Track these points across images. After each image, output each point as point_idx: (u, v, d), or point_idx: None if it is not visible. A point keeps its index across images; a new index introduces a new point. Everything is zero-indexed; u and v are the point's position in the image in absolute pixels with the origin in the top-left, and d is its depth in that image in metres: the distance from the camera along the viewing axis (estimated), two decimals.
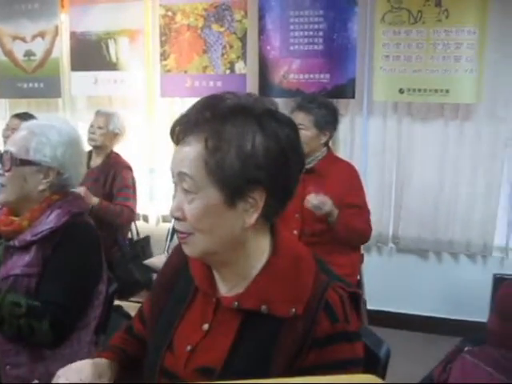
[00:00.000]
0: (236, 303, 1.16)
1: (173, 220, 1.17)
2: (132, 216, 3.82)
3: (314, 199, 2.83)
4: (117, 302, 3.22)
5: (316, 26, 3.84)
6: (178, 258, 1.31)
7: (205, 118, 1.11)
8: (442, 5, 3.59)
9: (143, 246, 3.92)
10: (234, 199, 1.11)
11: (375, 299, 3.79)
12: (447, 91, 3.66)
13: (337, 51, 3.81)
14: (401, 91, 3.74)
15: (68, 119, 4.40)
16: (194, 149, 1.11)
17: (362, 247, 3.40)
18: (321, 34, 3.83)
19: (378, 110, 3.94)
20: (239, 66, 4.08)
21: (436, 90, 3.67)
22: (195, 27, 4.18)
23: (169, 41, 4.27)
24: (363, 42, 3.85)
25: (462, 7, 3.57)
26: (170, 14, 4.24)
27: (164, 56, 4.31)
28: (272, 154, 1.11)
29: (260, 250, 1.19)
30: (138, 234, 4.10)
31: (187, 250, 1.18)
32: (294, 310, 1.12)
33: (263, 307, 1.13)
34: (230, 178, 1.09)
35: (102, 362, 1.38)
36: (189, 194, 1.12)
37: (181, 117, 1.15)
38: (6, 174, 1.86)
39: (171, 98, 4.39)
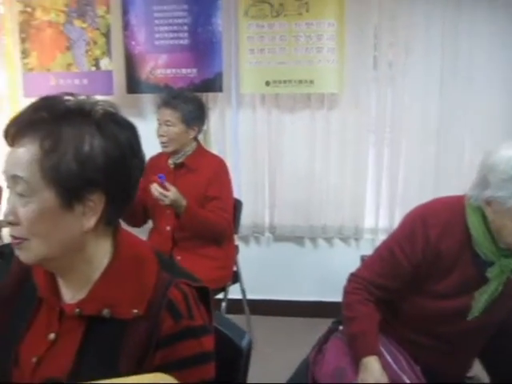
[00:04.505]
0: (78, 310, 1.14)
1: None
2: None
3: (155, 190, 2.82)
4: None
5: (181, 21, 3.81)
6: (19, 266, 1.25)
7: (41, 119, 1.08)
8: None
9: (2, 252, 3.68)
10: (71, 202, 1.08)
11: (255, 289, 3.87)
12: (311, 82, 3.77)
13: (202, 45, 3.81)
14: (267, 83, 3.80)
15: None
16: (28, 150, 1.07)
17: (236, 238, 3.44)
18: (186, 28, 3.81)
19: (247, 103, 3.99)
20: (105, 63, 3.97)
21: (301, 81, 3.78)
22: (56, 23, 4.01)
23: (29, 38, 4.08)
24: (228, 36, 3.87)
25: (321, 1, 3.68)
26: (29, 9, 4.04)
27: (25, 54, 4.10)
28: (111, 156, 1.09)
29: (101, 253, 1.16)
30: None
31: (22, 256, 1.13)
32: (135, 311, 1.11)
33: (105, 311, 1.12)
34: (67, 180, 1.06)
35: None
36: (23, 197, 1.08)
37: (15, 117, 1.11)
38: None
39: (35, 98, 4.19)
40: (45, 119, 1.08)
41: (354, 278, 2.06)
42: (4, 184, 3.50)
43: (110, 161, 1.09)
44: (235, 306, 3.50)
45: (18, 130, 1.09)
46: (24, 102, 4.20)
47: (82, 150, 1.07)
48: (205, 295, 1.21)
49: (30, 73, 4.12)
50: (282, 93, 3.89)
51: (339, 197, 4.02)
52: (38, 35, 4.06)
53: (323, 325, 2.34)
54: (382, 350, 1.96)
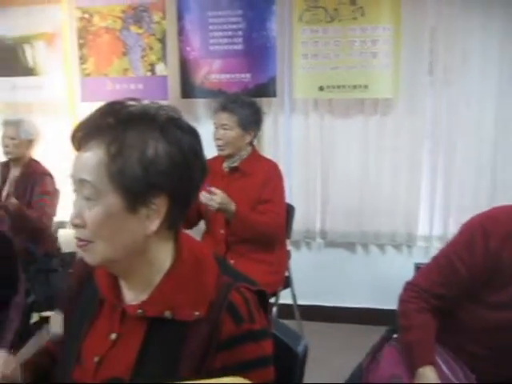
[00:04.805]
0: (140, 311, 1.15)
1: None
2: (48, 224, 3.69)
3: (202, 196, 2.83)
4: (48, 313, 3.17)
5: (235, 26, 3.85)
6: (82, 269, 1.28)
7: (107, 124, 1.10)
8: (357, 3, 3.68)
9: (63, 259, 3.72)
10: (135, 206, 1.10)
11: (306, 294, 3.86)
12: (366, 87, 3.74)
13: (257, 50, 3.83)
14: (321, 88, 3.80)
15: None
16: (95, 154, 1.09)
17: (288, 243, 3.43)
18: (240, 33, 3.85)
19: (300, 108, 3.99)
20: (160, 68, 4.04)
21: (355, 86, 3.76)
22: (113, 29, 4.11)
23: (87, 44, 4.19)
24: (282, 41, 3.88)
25: (376, 5, 3.66)
26: (86, 16, 4.16)
27: (83, 59, 4.22)
28: (174, 160, 1.11)
29: (163, 256, 1.18)
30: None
31: (87, 258, 1.15)
32: (197, 313, 1.12)
33: (167, 313, 1.13)
34: (132, 184, 1.08)
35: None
36: (89, 200, 1.10)
37: (82, 122, 1.13)
38: None
39: (92, 103, 4.29)
40: (110, 124, 1.10)
41: (409, 286, 2.03)
42: (61, 187, 3.57)
43: (173, 165, 1.10)
44: (286, 311, 3.50)
45: (85, 134, 1.12)
46: (82, 107, 4.32)
47: (146, 154, 1.08)
48: (263, 299, 1.22)
49: (87, 78, 4.23)
50: (335, 98, 3.87)
51: (392, 203, 3.97)
52: (96, 41, 4.16)
53: (374, 332, 2.32)
54: (438, 359, 1.93)
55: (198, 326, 1.12)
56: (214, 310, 1.13)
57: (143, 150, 1.08)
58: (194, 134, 1.17)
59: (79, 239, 1.14)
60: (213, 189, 2.85)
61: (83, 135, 1.12)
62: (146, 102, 1.17)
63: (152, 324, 1.15)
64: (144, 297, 1.17)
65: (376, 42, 3.70)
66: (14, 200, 3.38)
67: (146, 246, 1.14)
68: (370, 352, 2.20)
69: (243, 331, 1.12)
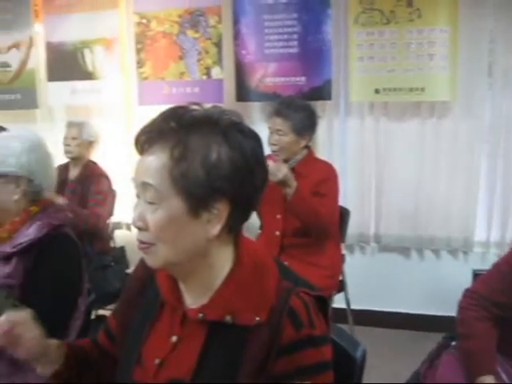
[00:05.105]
0: (201, 315, 1.16)
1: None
2: (98, 223, 3.76)
3: (269, 164, 2.78)
4: (101, 312, 3.24)
5: (290, 30, 3.86)
6: (143, 270, 1.30)
7: (170, 128, 1.11)
8: (414, 5, 3.63)
9: (115, 255, 3.80)
10: (197, 210, 1.10)
11: (359, 299, 3.82)
12: (422, 89, 3.69)
13: (312, 53, 3.83)
14: (377, 91, 3.77)
15: (47, 130, 4.39)
16: (158, 158, 1.11)
17: (342, 247, 3.41)
18: (295, 36, 3.86)
19: (355, 111, 3.96)
20: (216, 72, 4.09)
21: (411, 89, 3.71)
22: (170, 34, 4.18)
23: (144, 48, 4.28)
24: (338, 44, 3.87)
25: (433, 7, 3.61)
26: (144, 21, 4.24)
27: (140, 64, 4.30)
28: (237, 165, 1.11)
29: (223, 260, 1.18)
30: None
31: (149, 260, 1.17)
32: (258, 318, 1.12)
33: (227, 317, 1.14)
34: (195, 188, 1.09)
35: (53, 341, 1.33)
36: (152, 204, 1.12)
37: (145, 126, 1.15)
38: None
39: (149, 106, 4.36)
40: (173, 128, 1.11)
41: (469, 293, 1.99)
42: (119, 189, 3.63)
43: (235, 169, 1.11)
44: (338, 316, 3.48)
45: (148, 138, 1.13)
46: (139, 110, 4.40)
47: (209, 158, 1.09)
48: (322, 304, 1.21)
49: (144, 82, 4.31)
50: (391, 101, 3.83)
51: (448, 207, 3.90)
52: (153, 45, 4.24)
53: (429, 339, 2.29)
54: (499, 369, 1.89)
55: (258, 330, 1.12)
56: (274, 315, 1.12)
57: (206, 155, 1.09)
58: (256, 139, 1.17)
59: (141, 242, 1.15)
60: (280, 162, 2.82)
61: (146, 139, 1.14)
62: (208, 106, 1.18)
63: (212, 328, 1.16)
64: (204, 300, 1.17)
65: (433, 43, 3.65)
66: (60, 200, 3.46)
67: (206, 249, 1.15)
68: (426, 359, 2.17)
69: (303, 337, 1.12)
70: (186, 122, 1.11)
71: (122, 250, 3.85)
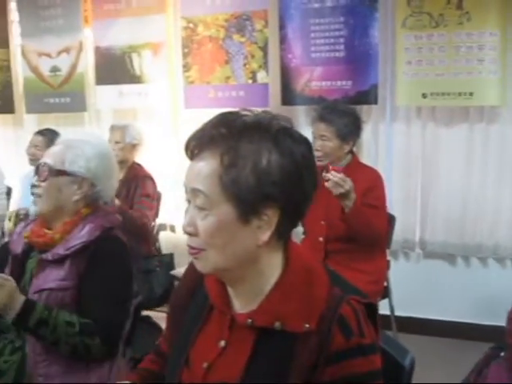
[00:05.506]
0: (250, 320, 1.15)
1: None
2: (146, 225, 3.80)
3: (336, 176, 2.72)
4: (145, 312, 3.27)
5: (337, 33, 3.85)
6: (193, 274, 1.29)
7: (220, 134, 1.11)
8: (463, 8, 3.58)
9: (162, 261, 3.81)
10: (247, 216, 1.10)
11: (403, 305, 3.77)
12: (471, 94, 3.63)
13: (358, 57, 3.82)
14: (424, 96, 3.72)
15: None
16: (208, 164, 1.11)
17: (387, 253, 3.38)
18: (342, 40, 3.85)
19: (402, 116, 3.92)
20: (261, 76, 4.10)
21: (460, 94, 3.65)
22: (216, 38, 4.22)
23: (191, 52, 4.32)
24: (385, 48, 3.84)
25: (483, 10, 3.55)
26: (191, 25, 4.29)
27: (186, 67, 4.35)
28: (287, 171, 1.10)
29: (273, 266, 1.18)
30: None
31: (199, 265, 1.17)
32: (307, 325, 1.11)
33: (276, 324, 1.13)
34: (245, 195, 1.09)
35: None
36: (202, 210, 1.12)
37: (196, 132, 1.15)
38: (42, 184, 1.92)
39: (195, 109, 4.40)
40: (224, 135, 1.11)
41: None
42: (164, 191, 3.66)
43: (285, 176, 1.10)
44: (382, 322, 3.43)
45: (198, 144, 1.13)
46: (184, 114, 4.45)
47: (259, 165, 1.09)
48: (372, 312, 1.19)
49: (190, 85, 4.35)
50: (439, 106, 3.78)
51: (496, 215, 3.82)
52: (199, 50, 4.29)
53: (474, 348, 2.24)
54: None
55: (308, 338, 1.11)
56: (324, 323, 1.11)
57: (257, 161, 1.09)
58: (306, 144, 1.16)
59: (191, 247, 1.16)
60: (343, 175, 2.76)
61: (197, 145, 1.14)
62: (258, 111, 1.17)
63: (261, 334, 1.15)
64: (253, 306, 1.17)
65: (482, 47, 3.59)
66: (116, 201, 3.52)
67: (256, 255, 1.15)
68: (474, 369, 2.12)
69: (353, 345, 1.10)
70: (236, 128, 1.11)
71: (170, 256, 3.87)
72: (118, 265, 1.92)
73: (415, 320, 4.02)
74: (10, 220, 3.61)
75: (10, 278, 1.78)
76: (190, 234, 1.15)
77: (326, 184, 2.74)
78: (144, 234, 3.84)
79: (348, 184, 2.74)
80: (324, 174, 2.76)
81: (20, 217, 3.49)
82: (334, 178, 2.72)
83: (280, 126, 1.13)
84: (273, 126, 1.12)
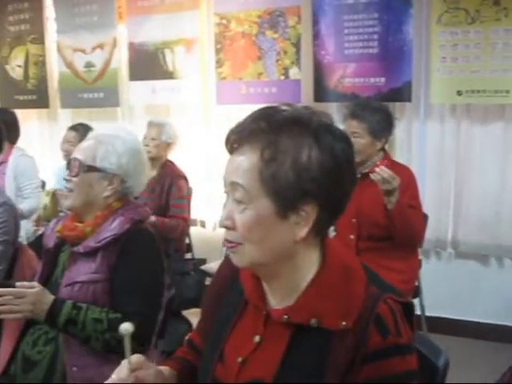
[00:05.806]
0: (286, 317, 1.14)
1: None
2: (186, 228, 3.85)
3: (385, 172, 2.70)
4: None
5: (371, 30, 3.82)
6: (228, 268, 1.29)
7: (260, 129, 1.11)
8: (501, 4, 3.51)
9: (196, 264, 3.74)
10: (286, 211, 1.10)
11: (434, 306, 3.73)
12: (507, 92, 3.56)
13: (392, 54, 3.78)
14: (459, 93, 3.66)
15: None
16: (248, 159, 1.11)
17: (419, 252, 3.34)
18: (376, 37, 3.81)
19: (436, 113, 3.87)
20: (294, 72, 4.09)
21: (496, 91, 3.59)
22: (249, 34, 4.22)
23: (224, 48, 4.33)
24: (419, 44, 3.79)
25: None
26: (224, 22, 4.29)
27: (219, 63, 4.36)
28: (327, 168, 1.10)
29: (309, 262, 1.17)
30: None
31: (235, 259, 1.17)
32: (344, 323, 1.10)
33: (313, 320, 1.12)
34: (284, 190, 1.09)
35: (167, 369, 1.36)
36: (241, 204, 1.12)
37: (236, 126, 1.15)
38: (73, 179, 1.94)
39: (227, 105, 4.41)
40: (264, 129, 1.11)
41: None
42: (195, 187, 3.66)
43: (325, 172, 1.09)
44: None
45: (238, 138, 1.14)
46: (216, 110, 4.46)
47: (299, 160, 1.08)
48: (408, 311, 1.18)
49: (223, 81, 4.36)
50: (474, 103, 3.72)
51: None
52: (232, 46, 4.29)
53: (503, 349, 2.19)
54: None
55: (344, 336, 1.10)
56: (361, 321, 1.10)
57: (297, 156, 1.08)
58: (346, 141, 1.15)
59: (228, 241, 1.16)
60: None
61: (236, 139, 1.14)
62: (298, 106, 1.17)
63: (296, 330, 1.14)
64: (288, 302, 1.16)
65: None
66: (152, 218, 3.48)
67: (293, 251, 1.14)
68: (507, 371, 2.09)
69: (389, 344, 1.09)
70: (276, 122, 1.11)
71: (205, 261, 3.88)
72: (149, 257, 1.93)
73: (446, 320, 3.98)
74: (47, 195, 3.68)
75: (34, 283, 1.82)
76: (227, 227, 1.15)
77: (372, 176, 2.74)
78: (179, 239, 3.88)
79: (396, 181, 2.72)
80: (376, 169, 2.73)
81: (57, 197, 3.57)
82: (383, 174, 2.71)
83: (321, 122, 1.13)
84: (313, 122, 1.12)
